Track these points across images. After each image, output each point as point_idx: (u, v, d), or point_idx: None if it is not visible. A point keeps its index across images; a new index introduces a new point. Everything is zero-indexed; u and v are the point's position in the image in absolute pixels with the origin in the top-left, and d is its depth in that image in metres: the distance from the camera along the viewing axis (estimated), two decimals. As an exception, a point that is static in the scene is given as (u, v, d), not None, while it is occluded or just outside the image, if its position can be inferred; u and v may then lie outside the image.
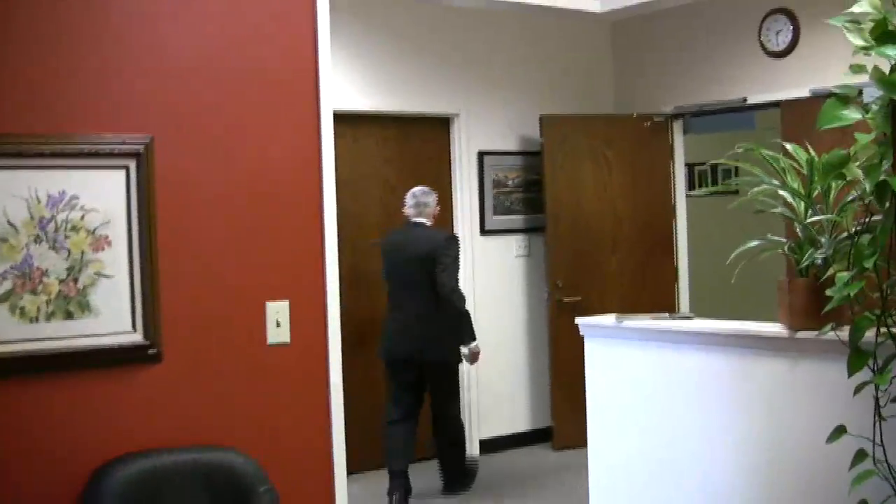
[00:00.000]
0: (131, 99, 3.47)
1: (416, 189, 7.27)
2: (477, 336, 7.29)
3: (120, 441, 3.41)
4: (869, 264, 3.30)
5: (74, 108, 3.36)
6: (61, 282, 3.33)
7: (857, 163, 3.51)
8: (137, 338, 3.47)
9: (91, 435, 3.37)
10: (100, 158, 3.39)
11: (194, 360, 3.58)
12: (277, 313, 3.74)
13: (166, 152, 3.51)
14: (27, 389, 3.27)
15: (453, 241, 7.11)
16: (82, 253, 3.36)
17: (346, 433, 7.41)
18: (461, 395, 7.57)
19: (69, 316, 3.34)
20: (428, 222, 7.18)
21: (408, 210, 7.19)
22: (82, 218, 3.36)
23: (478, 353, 7.26)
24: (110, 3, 3.44)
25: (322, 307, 3.86)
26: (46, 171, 3.30)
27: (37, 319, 3.29)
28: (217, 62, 3.65)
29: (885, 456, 3.38)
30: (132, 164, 3.44)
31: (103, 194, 3.40)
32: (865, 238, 3.38)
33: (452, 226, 8.53)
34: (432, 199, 7.21)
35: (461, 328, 7.10)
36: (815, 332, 3.76)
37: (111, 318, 3.42)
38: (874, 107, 3.33)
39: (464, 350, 7.19)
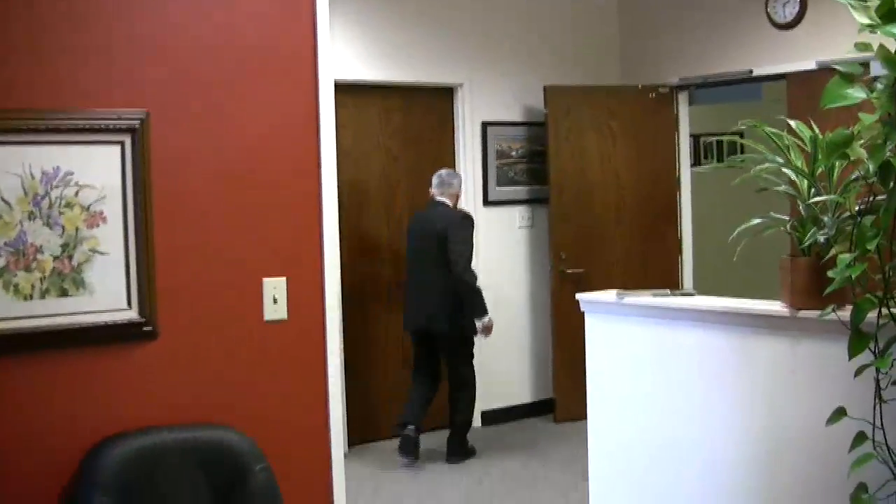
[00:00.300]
0: (126, 74, 3.43)
1: (443, 171, 7.66)
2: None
3: (115, 419, 3.39)
4: (871, 246, 3.26)
5: (69, 84, 3.32)
6: (55, 259, 3.30)
7: (861, 141, 3.46)
8: (133, 315, 3.44)
9: (86, 413, 3.36)
10: (95, 134, 3.35)
11: (190, 337, 3.55)
12: (274, 289, 3.72)
13: (162, 127, 3.47)
14: (21, 368, 3.25)
15: (467, 221, 7.52)
16: (77, 229, 3.33)
17: (348, 405, 7.57)
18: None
19: (64, 293, 3.32)
20: (450, 202, 7.54)
21: (433, 190, 7.59)
22: (77, 194, 3.33)
23: (490, 326, 7.56)
24: (105, -24, 3.40)
25: (319, 283, 3.83)
26: (41, 147, 3.26)
27: (31, 297, 3.26)
28: (213, 35, 3.61)
29: (886, 439, 3.35)
30: (127, 140, 3.41)
31: (98, 170, 3.37)
32: (868, 219, 3.34)
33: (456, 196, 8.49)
34: (457, 181, 7.61)
35: (474, 306, 7.42)
36: (817, 312, 3.72)
37: (106, 296, 3.39)
38: (879, 86, 3.28)
39: (477, 324, 7.50)
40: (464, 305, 7.42)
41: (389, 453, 7.73)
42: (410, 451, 7.48)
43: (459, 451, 7.66)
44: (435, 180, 7.57)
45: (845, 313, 3.48)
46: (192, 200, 3.55)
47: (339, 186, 7.49)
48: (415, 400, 7.59)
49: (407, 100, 8.39)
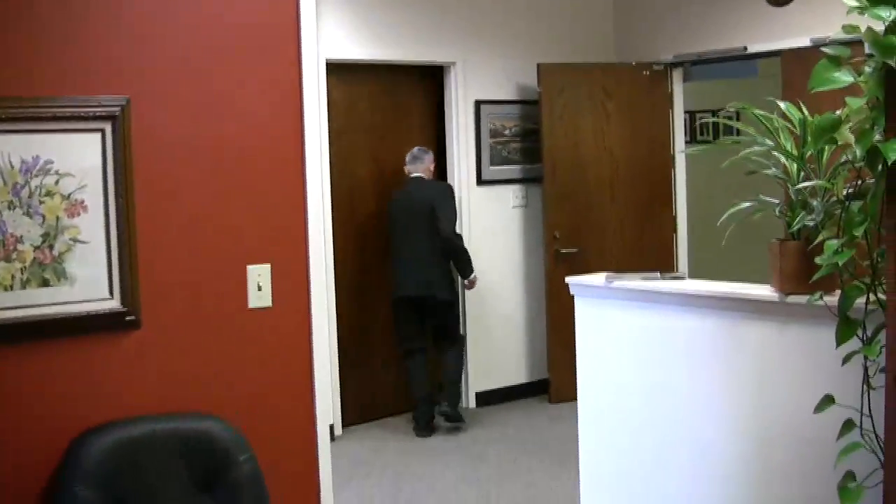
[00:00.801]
0: (106, 59, 3.38)
1: (414, 148, 7.95)
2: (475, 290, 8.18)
3: (98, 410, 3.37)
4: (858, 232, 3.22)
5: (47, 70, 3.28)
6: (36, 248, 3.27)
7: (850, 125, 3.42)
8: (115, 304, 3.41)
9: (68, 404, 3.33)
10: (74, 122, 3.31)
11: (174, 326, 3.53)
12: (259, 276, 3.69)
13: (143, 113, 3.43)
14: (2, 359, 3.22)
15: (451, 191, 7.94)
16: (57, 219, 3.30)
17: (341, 387, 7.57)
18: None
19: (45, 283, 3.29)
20: (425, 176, 7.87)
21: (407, 167, 7.92)
22: (57, 183, 3.29)
23: (475, 280, 8.11)
24: (82, -38, 3.35)
25: (305, 269, 3.80)
26: (19, 136, 3.22)
27: (11, 287, 3.23)
28: (195, 18, 3.56)
29: (874, 427, 3.32)
30: (108, 127, 3.37)
31: (78, 158, 3.33)
32: (856, 205, 3.31)
33: (447, 176, 8.47)
34: (427, 156, 7.93)
35: (462, 265, 7.90)
36: (806, 298, 3.69)
37: (88, 285, 3.36)
38: (867, 69, 3.24)
39: (465, 281, 8.08)
40: (454, 267, 7.95)
41: (384, 433, 7.75)
42: (430, 425, 7.90)
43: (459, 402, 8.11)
44: (408, 157, 7.92)
45: (833, 299, 3.45)
46: (174, 187, 3.52)
47: (330, 167, 7.55)
48: (423, 374, 7.91)
49: (399, 79, 8.34)
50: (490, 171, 8.60)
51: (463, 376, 8.33)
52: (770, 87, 7.51)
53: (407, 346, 7.91)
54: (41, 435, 3.28)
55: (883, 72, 3.14)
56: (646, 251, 8.72)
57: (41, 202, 3.26)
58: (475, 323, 8.51)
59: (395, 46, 8.04)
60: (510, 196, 8.74)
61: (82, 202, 3.34)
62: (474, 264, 7.94)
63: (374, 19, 7.92)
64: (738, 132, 4.11)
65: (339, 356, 7.75)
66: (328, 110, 7.56)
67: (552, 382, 8.58)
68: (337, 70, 7.77)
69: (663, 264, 8.50)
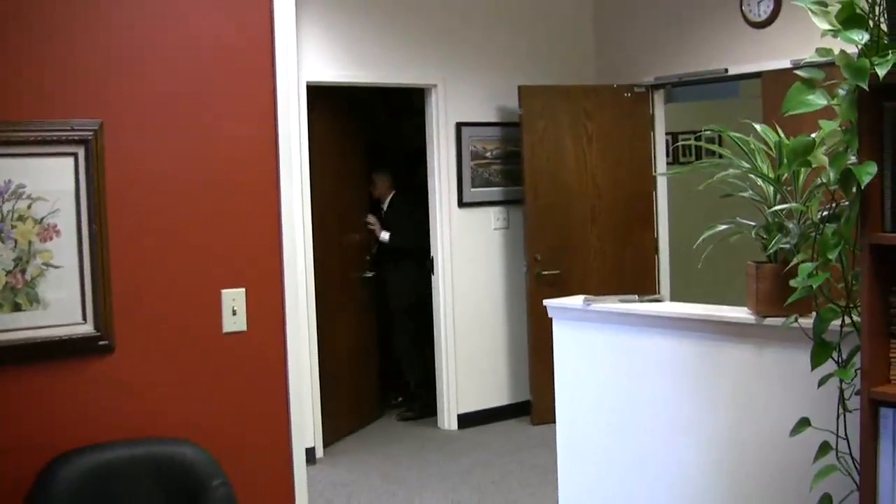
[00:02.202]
0: (79, 83, 3.38)
1: (373, 172, 8.88)
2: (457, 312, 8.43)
3: (70, 435, 3.35)
4: (833, 256, 3.23)
5: (20, 94, 3.27)
6: (8, 273, 3.25)
7: (824, 148, 3.43)
8: (88, 329, 3.40)
9: (40, 429, 3.31)
10: (47, 146, 3.31)
11: (148, 350, 3.51)
12: (233, 301, 3.67)
13: (117, 137, 3.43)
14: (-27, 384, 3.19)
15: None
16: (30, 243, 3.28)
17: (322, 404, 7.54)
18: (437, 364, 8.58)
19: (17, 308, 3.27)
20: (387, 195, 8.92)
21: (379, 188, 8.93)
22: (29, 207, 3.28)
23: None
24: (55, -14, 3.34)
25: (279, 293, 3.79)
26: (-8, 160, 3.21)
27: (-18, 312, 3.21)
28: (170, 44, 3.56)
29: (850, 449, 3.32)
30: (81, 151, 3.37)
31: (51, 182, 3.32)
32: (830, 228, 3.31)
33: (428, 198, 8.47)
34: (384, 175, 8.96)
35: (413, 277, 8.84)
36: (782, 320, 3.69)
37: (60, 310, 3.35)
38: (840, 92, 3.25)
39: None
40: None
41: (365, 454, 7.73)
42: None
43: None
44: (375, 178, 8.91)
45: (809, 322, 3.45)
46: (148, 211, 3.51)
47: (312, 189, 7.54)
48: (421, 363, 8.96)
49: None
50: (471, 193, 8.59)
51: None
52: (752, 107, 7.53)
53: (415, 342, 9.02)
54: (13, 461, 3.26)
55: (856, 95, 3.15)
56: (627, 273, 8.72)
57: (13, 226, 3.25)
58: (457, 344, 8.49)
59: (376, 69, 8.03)
60: (491, 218, 8.74)
61: (55, 226, 3.33)
62: (456, 286, 8.28)
63: (356, 42, 7.92)
64: (721, 141, 4.12)
65: (319, 378, 7.71)
66: (308, 133, 7.55)
67: (534, 404, 8.55)
68: (318, 92, 7.76)
69: (644, 286, 8.50)
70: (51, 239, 3.32)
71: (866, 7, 3.14)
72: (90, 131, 3.36)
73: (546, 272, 8.45)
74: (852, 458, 3.31)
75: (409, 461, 7.67)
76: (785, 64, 7.51)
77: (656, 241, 8.95)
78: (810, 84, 3.26)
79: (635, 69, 8.89)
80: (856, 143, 3.15)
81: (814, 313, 3.46)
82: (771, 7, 7.79)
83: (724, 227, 4.01)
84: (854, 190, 3.17)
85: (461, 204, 8.53)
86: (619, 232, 8.79)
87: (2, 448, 3.24)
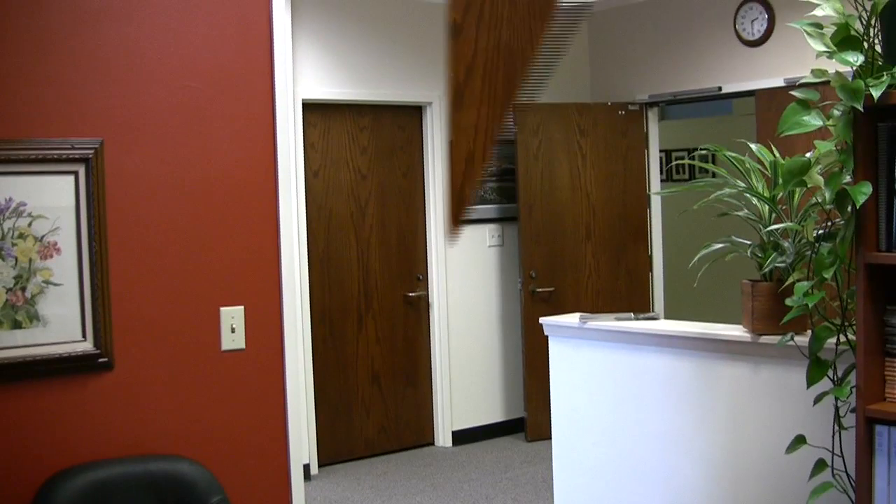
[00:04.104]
0: (80, 102, 3.39)
1: None
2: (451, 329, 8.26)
3: (69, 452, 3.35)
4: (828, 275, 3.25)
5: (21, 113, 3.29)
6: (8, 291, 3.26)
7: (819, 167, 3.46)
8: (88, 346, 3.41)
9: (40, 447, 3.32)
10: (48, 164, 3.32)
11: (147, 368, 3.52)
12: (232, 319, 3.69)
13: (117, 156, 3.44)
14: (-27, 401, 3.21)
15: None
16: (30, 261, 3.30)
17: (317, 427, 7.53)
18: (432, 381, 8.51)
19: (17, 325, 3.28)
20: None
21: None
22: (30, 225, 3.29)
23: None
24: (55, 5, 3.36)
25: (278, 311, 3.80)
26: (-7, 178, 3.23)
27: (-17, 329, 3.22)
28: (169, 61, 3.57)
29: (845, 467, 3.34)
30: (81, 169, 3.38)
31: (52, 200, 3.34)
32: (825, 247, 3.34)
33: (424, 215, 8.48)
34: None
35: None
36: (777, 338, 3.72)
37: (60, 327, 3.36)
38: (836, 112, 3.28)
39: None
40: None
41: (359, 472, 7.71)
42: None
43: None
44: None
45: (804, 340, 3.47)
46: (147, 229, 3.52)
47: (307, 205, 7.56)
48: None
49: (376, 119, 8.37)
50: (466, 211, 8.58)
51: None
52: (745, 124, 7.58)
53: None
54: (12, 478, 3.26)
55: (851, 115, 3.18)
56: (622, 290, 8.75)
57: (14, 244, 3.26)
58: (451, 361, 8.50)
59: (372, 86, 8.07)
60: (486, 235, 8.76)
61: (55, 244, 3.34)
62: (450, 302, 8.14)
63: (352, 60, 7.95)
64: (715, 174, 4.15)
65: (315, 396, 7.72)
66: (304, 150, 7.58)
67: (528, 421, 8.57)
68: (315, 110, 7.79)
69: (639, 303, 8.53)
70: (51, 256, 3.34)
71: (861, 29, 3.17)
72: (91, 149, 3.38)
73: (540, 289, 8.48)
74: (848, 475, 3.33)
75: (404, 478, 7.67)
76: (779, 82, 7.56)
77: (650, 258, 8.98)
78: (805, 105, 3.29)
79: (629, 87, 8.94)
80: (851, 163, 3.18)
81: (809, 331, 3.49)
82: (765, 26, 7.84)
83: (719, 245, 4.03)
84: (849, 209, 3.20)
85: (456, 221, 8.53)
86: (613, 249, 8.82)
87: (1, 465, 3.25)
